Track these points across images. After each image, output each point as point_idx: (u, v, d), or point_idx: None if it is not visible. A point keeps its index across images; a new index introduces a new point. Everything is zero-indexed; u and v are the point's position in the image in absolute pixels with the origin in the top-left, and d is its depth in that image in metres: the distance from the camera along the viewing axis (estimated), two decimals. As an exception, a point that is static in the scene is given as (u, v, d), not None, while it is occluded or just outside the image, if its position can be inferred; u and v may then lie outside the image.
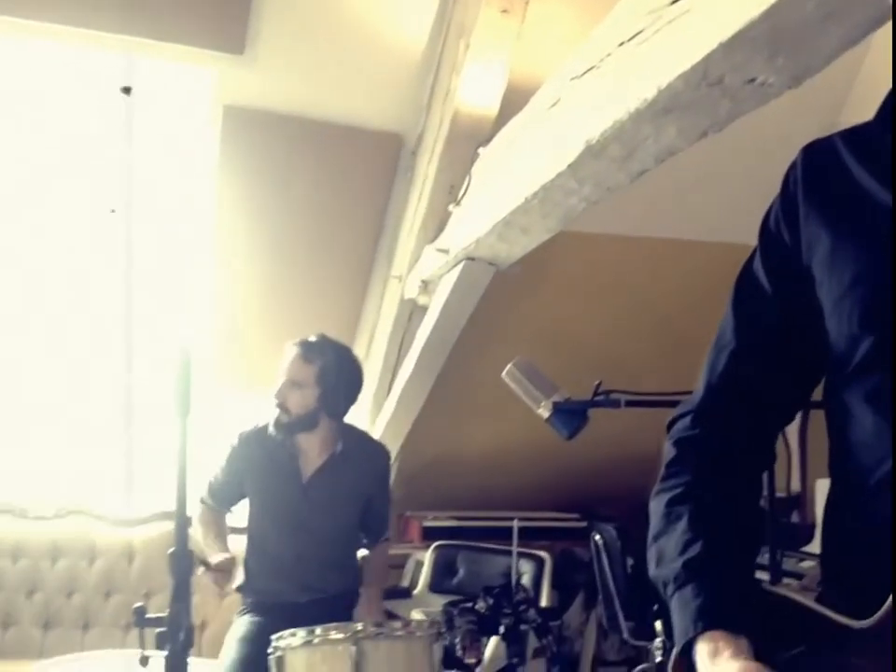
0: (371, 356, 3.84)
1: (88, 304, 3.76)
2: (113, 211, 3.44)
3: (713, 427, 1.00)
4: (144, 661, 1.26)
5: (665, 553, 0.93)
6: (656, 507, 0.97)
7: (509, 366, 2.09)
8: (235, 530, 2.83)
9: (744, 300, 1.01)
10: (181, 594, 1.11)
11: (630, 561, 3.41)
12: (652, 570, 0.95)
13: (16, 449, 2.25)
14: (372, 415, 3.83)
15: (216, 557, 2.38)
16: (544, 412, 2.02)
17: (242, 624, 2.54)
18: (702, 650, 0.85)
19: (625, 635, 3.29)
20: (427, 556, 3.58)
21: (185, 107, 3.52)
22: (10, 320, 3.62)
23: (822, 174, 0.94)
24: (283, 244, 3.57)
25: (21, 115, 3.37)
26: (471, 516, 4.13)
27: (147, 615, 1.20)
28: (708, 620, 0.86)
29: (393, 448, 3.52)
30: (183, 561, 1.09)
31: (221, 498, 2.68)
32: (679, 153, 2.10)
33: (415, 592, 3.51)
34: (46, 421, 3.64)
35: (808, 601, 0.87)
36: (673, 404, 2.16)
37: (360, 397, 2.75)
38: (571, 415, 1.99)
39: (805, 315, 0.93)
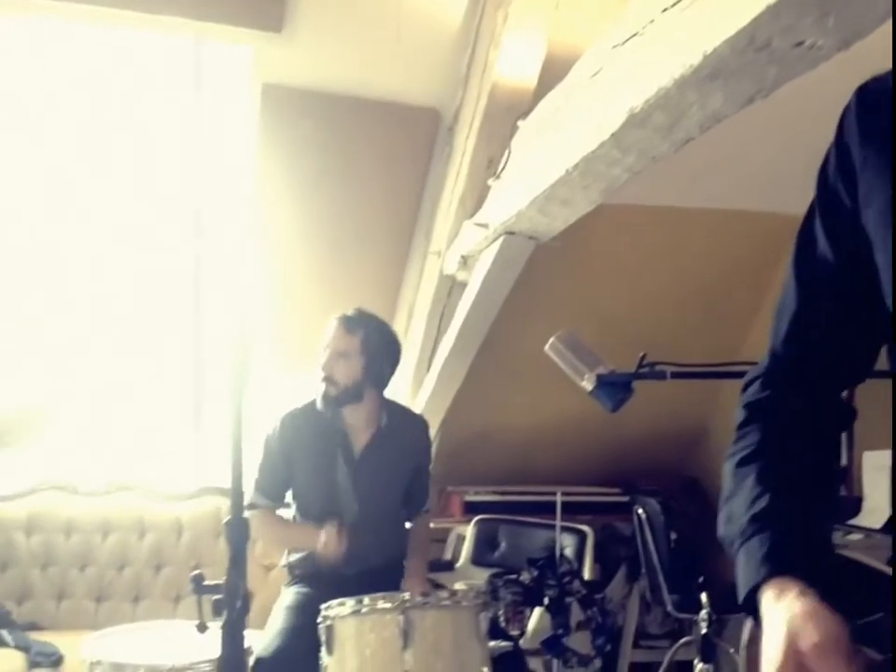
0: (411, 332, 3.85)
1: (133, 284, 3.81)
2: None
3: (782, 389, 0.97)
4: (202, 628, 1.29)
5: (734, 511, 0.91)
6: (727, 469, 0.96)
7: (552, 339, 2.08)
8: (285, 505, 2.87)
9: (804, 260, 0.95)
10: (237, 561, 1.13)
11: (673, 535, 3.41)
12: (720, 530, 0.94)
13: (67, 427, 2.31)
14: (413, 392, 3.85)
15: (320, 538, 2.43)
16: (588, 384, 2.01)
17: (289, 595, 2.58)
18: (767, 595, 0.82)
19: (669, 608, 3.29)
20: (469, 530, 3.61)
21: (224, 87, 3.54)
22: (63, 292, 3.68)
23: (879, 115, 0.86)
24: (321, 221, 3.58)
25: (72, 95, 3.40)
26: (512, 491, 4.15)
27: (205, 582, 1.23)
28: (774, 566, 0.83)
29: (434, 424, 3.54)
30: (238, 529, 1.12)
31: (273, 493, 2.66)
32: (724, 120, 2.07)
33: (458, 565, 3.54)
34: (95, 398, 3.71)
35: (884, 566, 0.84)
36: (719, 375, 2.16)
37: (400, 373, 2.78)
38: (616, 388, 1.98)
39: (869, 276, 0.87)
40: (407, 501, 2.75)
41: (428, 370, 3.76)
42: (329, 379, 2.56)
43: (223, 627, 1.09)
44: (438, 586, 2.68)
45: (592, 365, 1.99)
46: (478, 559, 3.53)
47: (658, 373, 1.95)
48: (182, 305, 3.87)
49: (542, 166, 2.49)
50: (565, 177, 2.35)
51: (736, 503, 0.91)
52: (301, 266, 3.69)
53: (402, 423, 2.71)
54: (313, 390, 2.71)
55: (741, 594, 0.86)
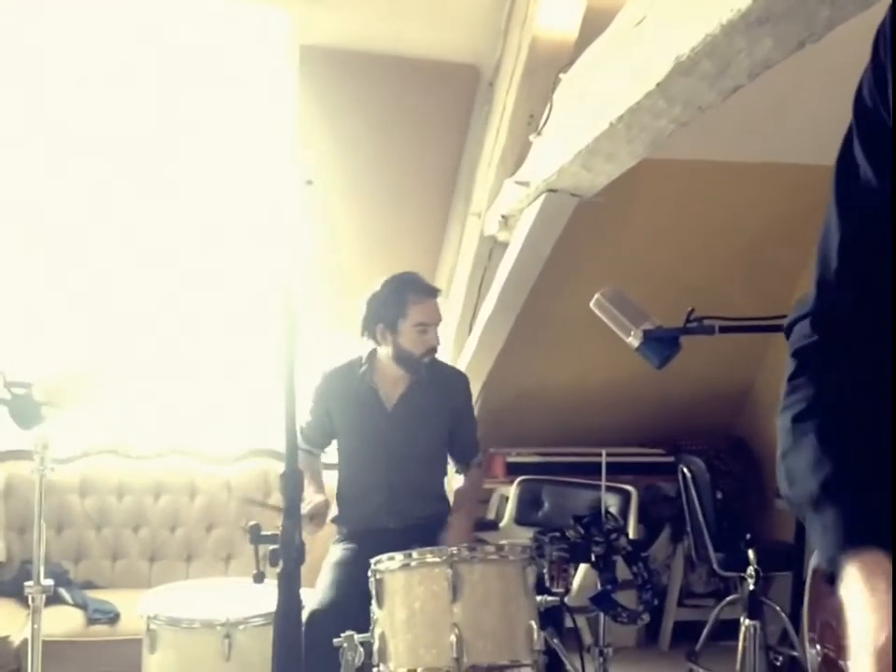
0: (452, 294, 3.84)
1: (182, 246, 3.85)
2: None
3: (833, 331, 0.91)
4: (259, 577, 1.32)
5: (796, 472, 0.88)
6: (782, 424, 0.92)
7: (597, 295, 2.06)
8: (326, 466, 2.92)
9: (846, 186, 0.90)
10: (292, 512, 1.15)
11: (719, 494, 3.39)
12: (784, 490, 0.91)
13: (119, 390, 2.37)
14: (454, 354, 3.85)
15: (306, 502, 2.45)
16: (634, 340, 1.98)
17: (337, 551, 2.63)
18: (851, 571, 0.79)
19: (714, 566, 3.28)
20: (512, 490, 3.62)
21: (261, 50, 3.51)
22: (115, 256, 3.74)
23: None
24: (360, 185, 3.57)
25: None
26: (555, 452, 4.15)
27: (262, 532, 1.25)
28: (854, 538, 0.80)
29: (475, 385, 3.54)
30: (293, 481, 1.13)
31: (314, 440, 2.75)
32: (772, 67, 2.01)
33: (502, 524, 3.56)
34: (147, 362, 3.77)
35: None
36: (769, 329, 2.12)
37: (441, 335, 2.79)
38: (662, 343, 1.95)
39: None
40: (452, 454, 2.77)
41: (470, 332, 3.76)
42: (434, 350, 2.64)
43: (279, 576, 1.11)
44: (481, 542, 2.69)
45: (638, 321, 1.97)
46: (521, 519, 3.55)
47: (706, 328, 1.92)
48: (229, 268, 3.90)
49: (585, 120, 2.45)
50: (609, 130, 2.31)
51: (797, 462, 0.88)
52: (341, 230, 3.69)
53: (438, 375, 2.71)
54: (355, 349, 2.76)
55: (821, 564, 0.84)
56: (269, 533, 1.21)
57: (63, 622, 2.96)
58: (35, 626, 2.23)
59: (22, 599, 3.09)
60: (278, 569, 1.13)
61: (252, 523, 1.28)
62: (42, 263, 3.66)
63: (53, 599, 2.97)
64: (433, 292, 2.63)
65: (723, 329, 1.94)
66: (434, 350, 2.65)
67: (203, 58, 3.48)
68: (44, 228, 3.63)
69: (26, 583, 2.24)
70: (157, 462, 3.64)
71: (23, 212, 3.58)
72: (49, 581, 2.24)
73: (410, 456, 2.65)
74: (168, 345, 3.86)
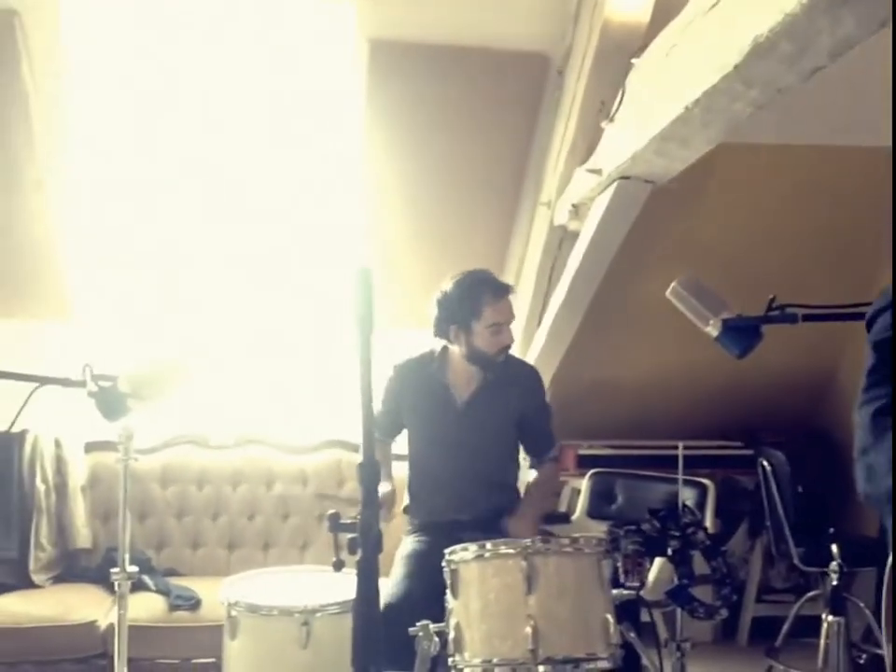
0: (521, 286, 3.82)
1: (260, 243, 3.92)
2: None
3: None
4: (338, 565, 1.34)
5: (876, 469, 0.85)
6: (861, 419, 0.89)
7: (673, 284, 2.01)
8: (398, 457, 2.94)
9: None
10: (370, 501, 1.16)
11: (799, 488, 3.30)
12: (861, 486, 0.88)
13: (199, 382, 2.44)
14: (523, 346, 3.83)
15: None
16: (713, 330, 1.94)
17: (409, 543, 2.65)
18: None
19: (795, 561, 3.20)
20: (584, 483, 3.58)
21: (328, 45, 3.54)
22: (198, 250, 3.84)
23: None
24: (429, 177, 3.58)
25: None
26: (627, 444, 4.10)
27: (341, 521, 1.26)
28: None
29: (546, 377, 3.51)
30: (370, 470, 1.14)
31: (384, 429, 2.77)
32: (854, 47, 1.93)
33: (574, 517, 3.53)
34: (224, 354, 3.86)
35: None
36: (854, 317, 2.04)
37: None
38: (743, 333, 1.90)
39: None
40: (526, 448, 2.76)
41: (539, 323, 3.73)
42: (508, 348, 2.63)
43: (358, 564, 1.13)
44: (551, 535, 2.66)
45: (717, 309, 1.92)
46: (594, 512, 3.51)
47: (789, 316, 1.86)
48: (303, 262, 3.96)
49: (659, 105, 2.40)
50: (684, 115, 2.25)
51: (878, 458, 0.85)
52: (409, 221, 3.70)
53: (509, 370, 2.69)
54: (425, 344, 2.76)
55: None
56: (347, 521, 1.23)
57: (147, 607, 3.06)
58: (121, 612, 2.30)
59: (108, 585, 3.22)
60: (357, 558, 1.14)
61: (331, 511, 1.30)
62: (127, 258, 3.79)
63: (137, 586, 3.08)
64: (507, 290, 2.59)
65: (806, 318, 1.87)
66: (507, 348, 2.63)
67: (272, 54, 3.53)
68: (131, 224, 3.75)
69: (112, 570, 2.31)
70: (235, 452, 3.73)
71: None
72: (134, 568, 2.31)
73: (480, 451, 2.65)
74: (246, 338, 3.95)
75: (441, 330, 2.60)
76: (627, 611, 2.08)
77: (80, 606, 3.09)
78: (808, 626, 3.10)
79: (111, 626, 2.92)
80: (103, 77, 3.44)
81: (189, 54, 3.46)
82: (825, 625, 2.56)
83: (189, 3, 3.35)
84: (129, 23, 3.36)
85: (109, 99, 3.50)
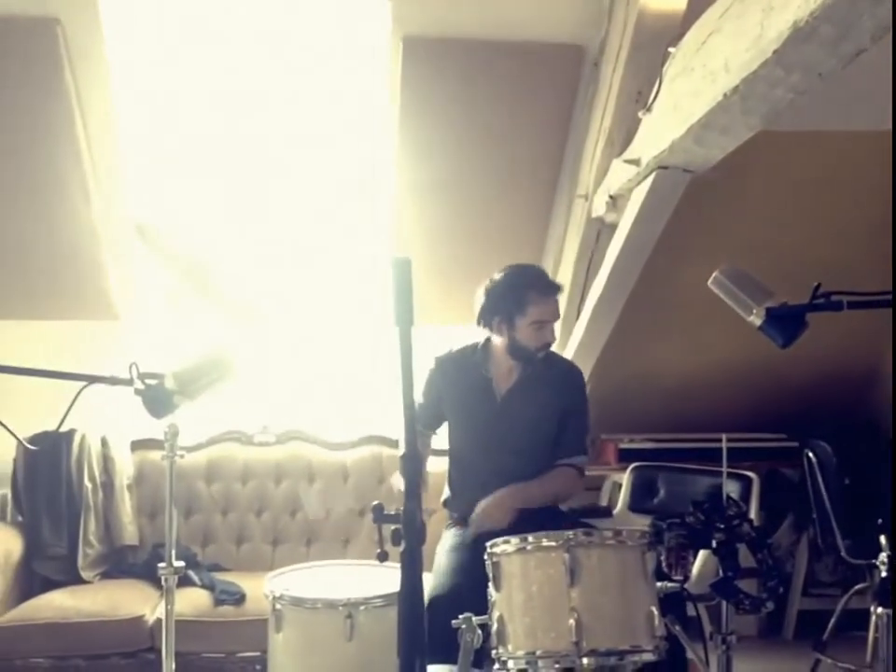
0: (559, 279, 3.78)
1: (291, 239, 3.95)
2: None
3: None
4: (383, 556, 1.36)
5: None
6: None
7: (715, 273, 1.98)
8: (437, 452, 2.95)
9: None
10: (413, 493, 1.17)
11: (846, 479, 3.24)
12: None
13: (243, 379, 2.48)
14: (562, 339, 3.80)
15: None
16: (757, 319, 1.90)
17: (450, 537, 2.66)
18: None
19: (842, 553, 3.15)
20: (626, 477, 3.55)
21: (362, 43, 3.55)
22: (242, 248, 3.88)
23: None
24: (466, 171, 3.58)
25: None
26: (668, 437, 4.06)
27: (385, 512, 1.27)
28: None
29: (585, 370, 3.47)
30: (413, 462, 1.15)
31: (423, 421, 2.76)
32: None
33: (615, 511, 3.50)
34: (268, 352, 3.91)
35: None
36: (902, 304, 1.99)
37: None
38: (787, 321, 1.86)
39: None
40: (554, 445, 2.69)
41: (577, 316, 3.71)
42: (549, 345, 2.62)
43: (402, 556, 1.13)
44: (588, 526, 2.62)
45: (761, 298, 1.89)
46: (636, 506, 3.48)
47: (834, 304, 1.82)
48: (342, 258, 3.99)
49: (697, 93, 2.37)
50: (723, 102, 2.23)
51: None
52: (446, 217, 3.71)
53: (551, 367, 2.68)
54: (464, 339, 2.77)
55: None
56: (391, 513, 1.24)
57: (193, 602, 3.10)
58: (168, 606, 2.34)
59: (154, 581, 3.28)
60: (401, 549, 1.15)
61: (375, 502, 1.31)
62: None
63: (183, 581, 3.11)
64: (554, 290, 2.58)
65: (852, 305, 1.83)
66: (549, 345, 2.62)
67: (309, 52, 3.55)
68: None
69: (159, 565, 2.34)
70: (277, 448, 3.77)
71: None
72: (181, 563, 2.34)
73: (517, 446, 2.63)
74: (287, 335, 3.99)
75: (484, 319, 2.60)
76: (672, 605, 2.07)
77: (128, 601, 3.14)
78: (856, 620, 3.05)
79: (158, 621, 2.98)
80: (146, 81, 3.50)
81: (228, 55, 3.50)
82: (874, 618, 2.51)
83: (227, 4, 3.38)
84: (169, 27, 3.41)
85: (152, 102, 3.56)
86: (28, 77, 3.19)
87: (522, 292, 2.53)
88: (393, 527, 1.19)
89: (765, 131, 2.50)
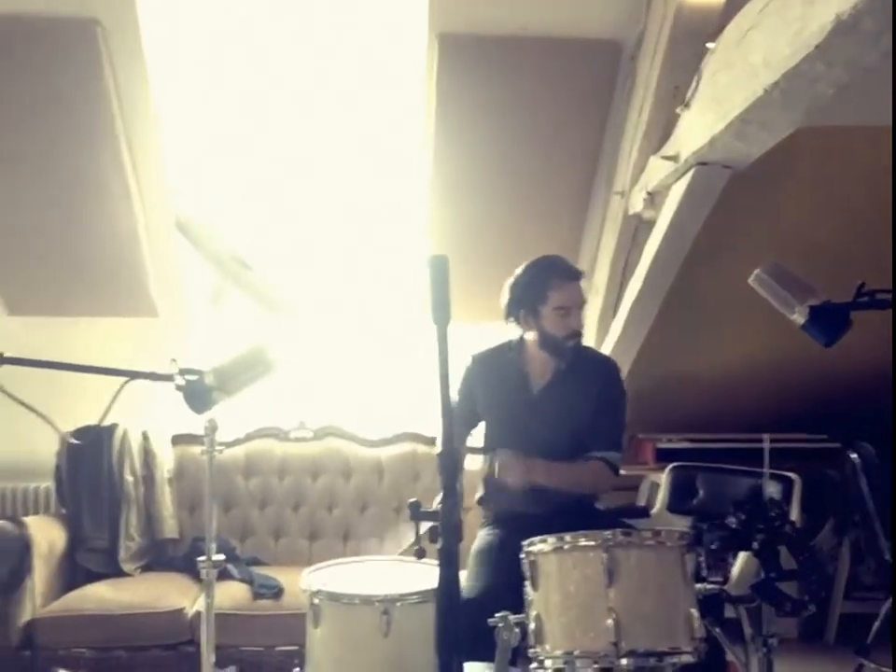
0: (596, 276, 3.78)
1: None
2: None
3: None
4: (420, 553, 1.36)
5: None
6: None
7: (756, 271, 1.96)
8: (475, 450, 2.94)
9: None
10: (450, 491, 1.17)
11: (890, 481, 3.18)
12: None
13: (281, 376, 2.51)
14: (599, 338, 3.79)
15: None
16: (800, 317, 1.87)
17: (484, 536, 2.65)
18: None
19: (886, 556, 3.08)
20: (664, 477, 3.52)
21: (398, 40, 3.56)
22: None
23: None
24: (502, 168, 3.57)
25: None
26: (707, 438, 4.02)
27: (423, 509, 1.28)
28: None
29: (622, 369, 3.44)
30: (451, 460, 1.15)
31: (460, 419, 2.75)
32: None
33: (653, 511, 3.48)
34: (303, 347, 3.94)
35: None
36: (950, 302, 1.95)
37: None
38: (830, 320, 1.84)
39: None
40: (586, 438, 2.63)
41: (614, 315, 3.69)
42: (578, 333, 2.59)
43: (439, 553, 1.14)
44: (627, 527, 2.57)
45: (803, 296, 1.86)
46: (675, 506, 3.45)
47: (879, 302, 1.79)
48: (378, 256, 4.00)
49: (737, 88, 2.34)
50: (763, 98, 2.20)
51: None
52: (482, 215, 3.70)
53: (587, 363, 2.66)
54: (500, 336, 2.76)
55: None
56: (428, 510, 1.24)
57: (232, 596, 3.14)
58: (208, 599, 2.36)
59: (194, 574, 3.32)
60: (438, 546, 1.15)
61: (412, 500, 1.31)
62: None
63: (222, 574, 3.15)
64: (575, 275, 2.57)
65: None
66: (578, 334, 2.59)
67: (345, 50, 3.57)
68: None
69: (199, 559, 2.37)
70: (314, 444, 3.80)
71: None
72: (220, 557, 2.37)
73: (552, 443, 2.59)
74: (323, 332, 4.02)
75: (512, 314, 2.61)
76: (711, 606, 2.05)
77: (168, 594, 3.18)
78: (901, 624, 3.00)
79: (198, 614, 3.02)
80: (185, 79, 3.54)
81: (266, 52, 3.53)
82: (918, 623, 2.46)
83: (266, 1, 3.41)
84: (207, 25, 3.45)
85: (192, 100, 3.60)
86: (68, 78, 3.26)
87: (542, 280, 2.53)
88: (430, 525, 1.20)
89: (806, 126, 2.46)
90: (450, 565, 1.14)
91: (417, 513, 1.30)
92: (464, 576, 2.41)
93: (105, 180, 3.51)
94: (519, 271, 2.61)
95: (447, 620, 1.11)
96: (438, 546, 1.14)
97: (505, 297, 2.62)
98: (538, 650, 1.80)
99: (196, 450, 3.71)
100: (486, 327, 3.31)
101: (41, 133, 3.38)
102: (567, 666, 1.77)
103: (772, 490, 3.03)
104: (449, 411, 1.15)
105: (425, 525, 1.26)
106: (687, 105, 2.72)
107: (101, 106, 3.32)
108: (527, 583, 1.87)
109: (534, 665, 1.81)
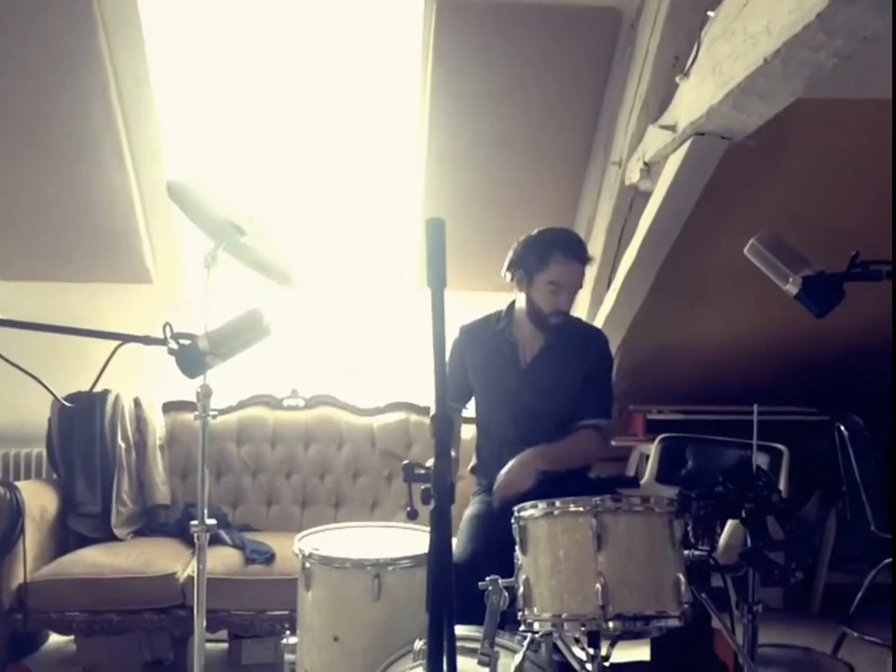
0: (590, 247, 3.74)
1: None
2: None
3: None
4: (413, 514, 1.37)
5: None
6: None
7: (752, 240, 1.95)
8: (467, 420, 2.96)
9: None
10: (443, 452, 1.18)
11: (878, 454, 3.21)
12: None
13: (273, 343, 2.51)
14: (592, 309, 3.79)
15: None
16: (793, 288, 1.88)
17: (476, 504, 2.67)
18: None
19: (872, 527, 3.12)
20: (654, 448, 3.55)
21: (395, 5, 3.52)
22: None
23: None
24: (498, 137, 3.55)
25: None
26: (697, 409, 4.05)
27: (416, 471, 1.28)
28: None
29: (614, 341, 3.47)
30: (444, 422, 1.15)
31: (452, 394, 2.77)
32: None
33: (642, 482, 3.51)
34: (299, 317, 3.93)
35: None
36: (943, 274, 1.95)
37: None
38: (824, 290, 1.84)
39: None
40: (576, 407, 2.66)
41: (609, 286, 3.69)
42: (563, 314, 2.59)
43: (432, 513, 1.14)
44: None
45: (797, 267, 1.86)
46: (663, 477, 3.48)
47: (872, 273, 1.79)
48: (373, 227, 3.99)
49: (737, 57, 2.32)
50: (763, 67, 2.18)
51: None
52: (477, 183, 3.68)
53: (575, 334, 2.67)
54: (494, 305, 2.76)
55: None
56: (421, 472, 1.25)
57: (223, 561, 3.16)
58: (200, 563, 2.38)
59: (186, 540, 3.34)
60: (430, 507, 1.16)
61: (405, 462, 1.32)
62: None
63: (214, 540, 3.18)
64: (581, 258, 2.57)
65: (890, 275, 1.80)
66: (563, 314, 2.60)
67: (341, 16, 3.52)
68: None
69: (192, 522, 2.38)
70: (306, 413, 3.81)
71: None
72: (213, 521, 2.38)
73: (542, 413, 2.63)
74: (316, 301, 4.01)
75: (510, 270, 2.62)
76: (698, 573, 2.07)
77: (160, 559, 3.19)
78: (885, 594, 3.04)
79: (190, 578, 3.04)
80: (178, 42, 3.50)
81: (261, 17, 3.49)
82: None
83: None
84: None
85: (185, 64, 3.56)
86: (62, 41, 3.21)
87: (549, 249, 2.54)
88: (423, 486, 1.20)
89: (805, 98, 2.44)
90: (442, 526, 1.15)
91: (410, 475, 1.30)
92: (455, 543, 2.44)
93: (98, 143, 3.47)
94: (534, 231, 2.62)
95: (438, 579, 1.12)
96: (430, 507, 1.15)
97: (513, 250, 2.63)
98: (526, 613, 1.82)
99: (187, 417, 3.73)
100: (481, 296, 3.32)
101: (33, 95, 3.34)
102: (555, 629, 1.80)
103: (760, 461, 3.05)
104: (443, 373, 1.15)
105: (418, 487, 1.27)
106: (686, 74, 2.69)
107: (94, 69, 3.28)
108: (517, 548, 1.89)
109: (522, 627, 1.84)
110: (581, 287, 2.60)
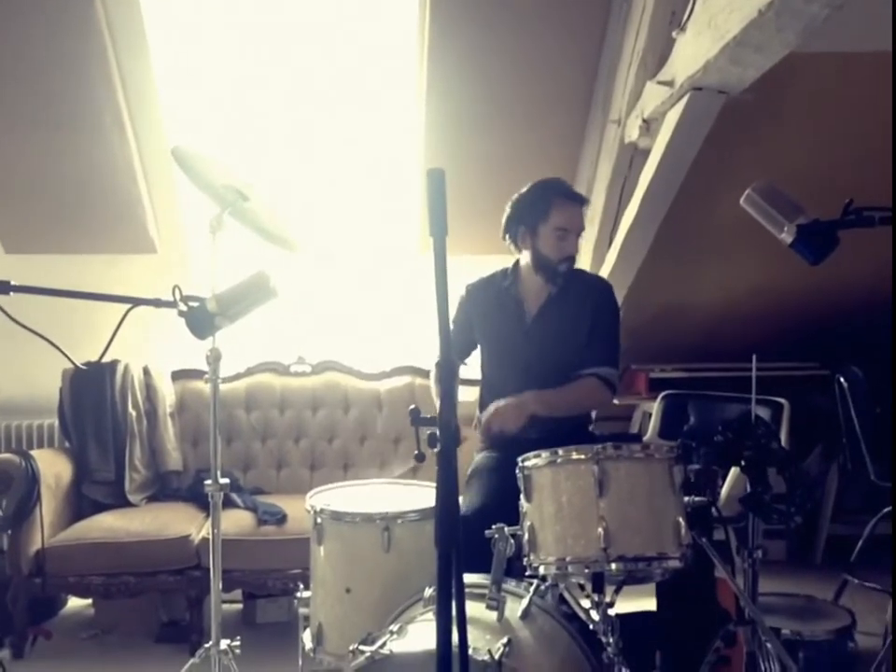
0: (590, 207, 3.78)
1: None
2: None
3: None
4: (420, 457, 1.42)
5: None
6: None
7: (748, 190, 1.96)
8: (468, 382, 2.99)
9: None
10: (447, 396, 1.21)
11: (878, 408, 3.25)
12: None
13: (281, 307, 2.55)
14: (594, 267, 3.81)
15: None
16: (788, 236, 1.89)
17: (480, 459, 2.71)
18: None
19: (872, 477, 3.17)
20: (656, 405, 3.59)
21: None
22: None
23: None
24: (495, 96, 3.55)
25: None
26: (699, 367, 4.08)
27: (422, 415, 1.32)
28: None
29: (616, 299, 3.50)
30: (448, 367, 1.19)
31: (455, 349, 2.78)
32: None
33: (645, 438, 3.55)
34: (305, 283, 3.96)
35: None
36: (937, 221, 1.97)
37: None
38: (818, 238, 1.86)
39: None
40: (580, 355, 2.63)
41: (609, 244, 3.71)
42: (572, 258, 2.60)
43: (438, 456, 1.18)
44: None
45: (792, 215, 1.87)
46: (666, 433, 3.52)
47: (865, 219, 1.80)
48: (376, 190, 4.00)
49: (732, 10, 2.33)
50: (758, 19, 2.19)
51: None
52: (476, 143, 3.69)
53: (578, 284, 2.68)
54: (495, 267, 2.79)
55: None
56: (428, 416, 1.29)
57: (236, 523, 3.23)
58: (215, 525, 2.42)
59: (199, 504, 3.41)
60: (437, 450, 1.19)
61: (412, 406, 1.36)
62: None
63: (226, 503, 3.21)
64: (579, 199, 2.60)
65: (883, 221, 1.82)
66: (571, 258, 2.61)
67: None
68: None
69: (206, 482, 2.42)
70: (313, 378, 3.86)
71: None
72: (226, 480, 2.43)
73: (548, 368, 2.62)
74: (321, 267, 4.04)
75: (510, 232, 2.63)
76: (700, 519, 2.11)
77: (174, 522, 3.27)
78: (884, 543, 3.09)
79: (204, 540, 3.11)
80: (177, 10, 3.50)
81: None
82: (901, 539, 2.55)
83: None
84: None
85: (185, 33, 3.56)
86: (60, 13, 3.21)
87: (547, 198, 2.56)
88: (429, 431, 1.24)
89: (800, 52, 2.44)
90: (448, 466, 1.19)
91: (417, 419, 1.35)
92: (461, 498, 2.48)
93: (99, 115, 3.49)
94: (524, 189, 2.63)
95: (447, 521, 1.16)
96: (436, 450, 1.19)
97: (506, 213, 2.64)
98: (531, 558, 1.88)
99: (197, 384, 3.79)
100: (482, 259, 3.34)
101: (33, 69, 3.35)
102: (560, 572, 1.85)
103: (761, 414, 3.09)
104: (446, 323, 1.18)
105: (424, 431, 1.31)
106: (682, 29, 2.70)
107: (92, 40, 3.29)
108: (522, 496, 1.93)
109: (528, 572, 1.89)
110: (583, 228, 2.62)
